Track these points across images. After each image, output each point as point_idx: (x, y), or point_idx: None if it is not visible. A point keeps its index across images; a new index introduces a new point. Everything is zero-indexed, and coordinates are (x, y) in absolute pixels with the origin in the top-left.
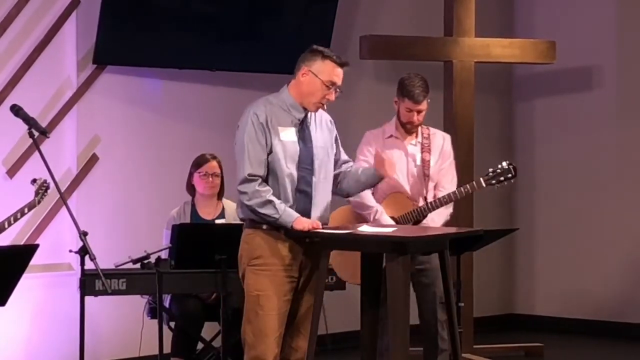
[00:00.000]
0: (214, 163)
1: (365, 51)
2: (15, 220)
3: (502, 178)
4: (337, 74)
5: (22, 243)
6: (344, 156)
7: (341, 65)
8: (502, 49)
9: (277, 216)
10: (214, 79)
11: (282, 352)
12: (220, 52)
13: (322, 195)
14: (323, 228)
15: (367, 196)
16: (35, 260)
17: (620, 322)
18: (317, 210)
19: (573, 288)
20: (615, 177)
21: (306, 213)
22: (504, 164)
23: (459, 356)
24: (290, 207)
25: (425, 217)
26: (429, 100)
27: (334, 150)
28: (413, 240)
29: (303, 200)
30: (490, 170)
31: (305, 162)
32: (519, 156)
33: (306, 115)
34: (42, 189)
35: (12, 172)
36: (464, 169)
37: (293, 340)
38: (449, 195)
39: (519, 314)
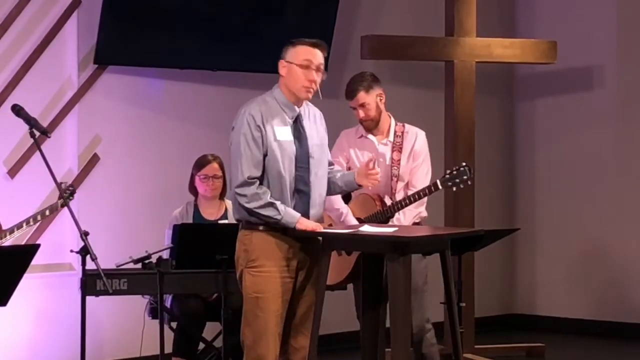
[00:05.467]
0: (215, 165)
1: (366, 51)
2: (35, 221)
3: (457, 180)
4: (310, 52)
5: (23, 243)
6: (329, 157)
7: (312, 45)
8: (503, 49)
9: (279, 217)
10: (214, 79)
11: (284, 352)
12: (221, 52)
13: (317, 193)
14: (324, 228)
15: (336, 198)
16: (37, 260)
17: (620, 322)
18: (313, 209)
19: (574, 288)
20: (615, 177)
21: (305, 212)
22: (462, 165)
23: (460, 356)
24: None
25: (392, 216)
26: (378, 92)
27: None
28: (414, 240)
29: (301, 199)
30: (447, 171)
31: (302, 161)
32: (520, 156)
33: (300, 113)
34: (66, 193)
35: (13, 172)
36: None
37: (295, 339)
38: (412, 195)
39: (520, 314)
